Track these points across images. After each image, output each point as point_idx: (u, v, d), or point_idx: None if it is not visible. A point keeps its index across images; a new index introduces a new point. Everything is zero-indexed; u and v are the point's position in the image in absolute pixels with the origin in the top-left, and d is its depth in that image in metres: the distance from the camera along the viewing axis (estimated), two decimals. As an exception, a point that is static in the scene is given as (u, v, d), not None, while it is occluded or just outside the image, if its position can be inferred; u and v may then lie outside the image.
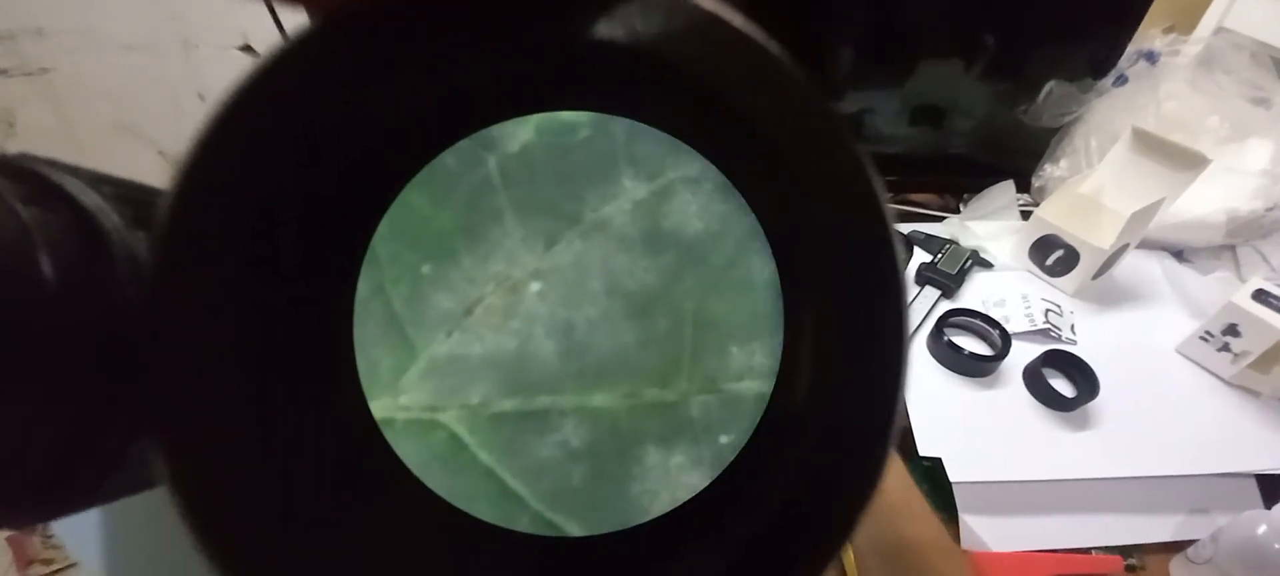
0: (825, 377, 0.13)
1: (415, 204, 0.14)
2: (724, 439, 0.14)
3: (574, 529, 0.14)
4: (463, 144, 0.13)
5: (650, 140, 0.14)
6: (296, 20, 0.12)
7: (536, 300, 0.14)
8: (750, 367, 0.14)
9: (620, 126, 0.14)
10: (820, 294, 0.13)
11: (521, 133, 0.14)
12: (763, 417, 0.14)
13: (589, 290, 0.14)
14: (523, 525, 0.14)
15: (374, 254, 0.14)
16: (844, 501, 0.13)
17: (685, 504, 0.14)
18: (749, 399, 0.14)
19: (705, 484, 0.14)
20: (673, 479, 0.14)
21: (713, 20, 0.12)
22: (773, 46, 0.12)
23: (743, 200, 0.14)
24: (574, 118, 0.14)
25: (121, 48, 0.94)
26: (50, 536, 0.94)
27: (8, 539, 0.95)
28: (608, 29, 0.12)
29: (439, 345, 0.14)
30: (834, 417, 0.13)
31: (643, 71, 0.12)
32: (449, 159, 0.14)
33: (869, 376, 0.13)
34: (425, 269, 0.14)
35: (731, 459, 0.14)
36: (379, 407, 0.14)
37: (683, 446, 0.14)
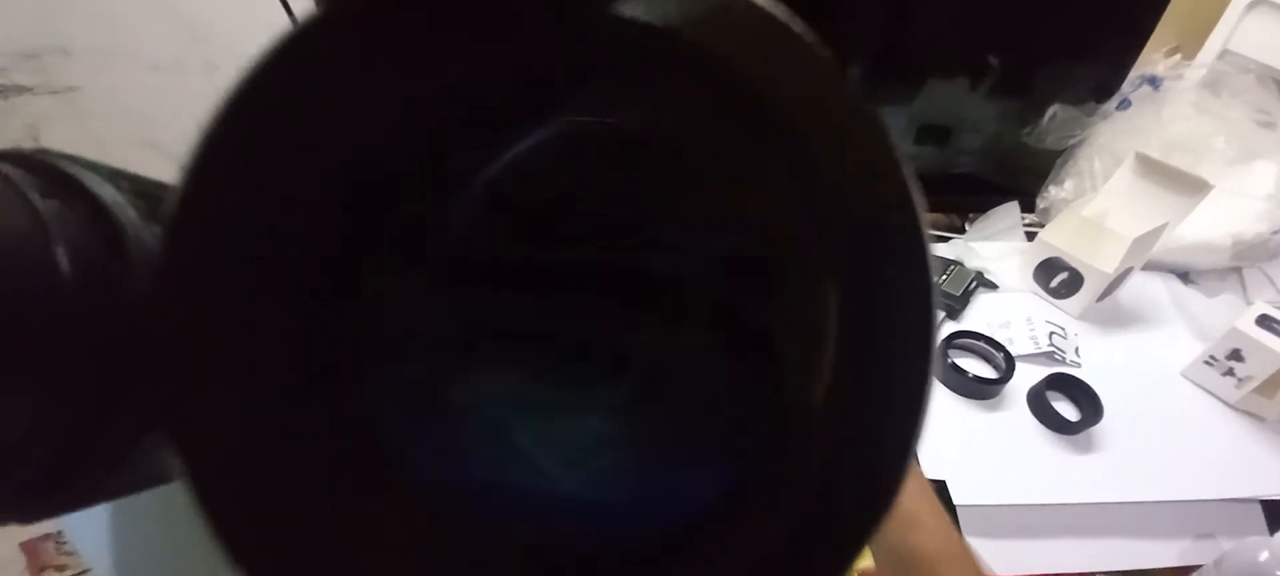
0: (846, 376, 0.13)
1: None
2: (745, 431, 0.15)
3: (601, 513, 0.15)
4: None
5: None
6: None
7: None
8: None
9: None
10: (844, 287, 0.13)
11: None
12: (783, 417, 0.14)
13: None
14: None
15: None
16: (861, 509, 0.12)
17: (703, 509, 0.14)
18: (767, 393, 0.15)
19: (726, 476, 0.14)
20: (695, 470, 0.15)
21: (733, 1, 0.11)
22: (796, 24, 0.11)
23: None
24: None
25: (147, 68, 0.95)
26: (64, 542, 0.94)
27: (22, 545, 0.95)
28: (629, 8, 0.12)
29: None
30: (855, 418, 0.13)
31: (665, 57, 0.12)
32: None
33: (891, 376, 0.12)
34: None
35: (751, 452, 0.15)
36: None
37: (708, 437, 0.15)
